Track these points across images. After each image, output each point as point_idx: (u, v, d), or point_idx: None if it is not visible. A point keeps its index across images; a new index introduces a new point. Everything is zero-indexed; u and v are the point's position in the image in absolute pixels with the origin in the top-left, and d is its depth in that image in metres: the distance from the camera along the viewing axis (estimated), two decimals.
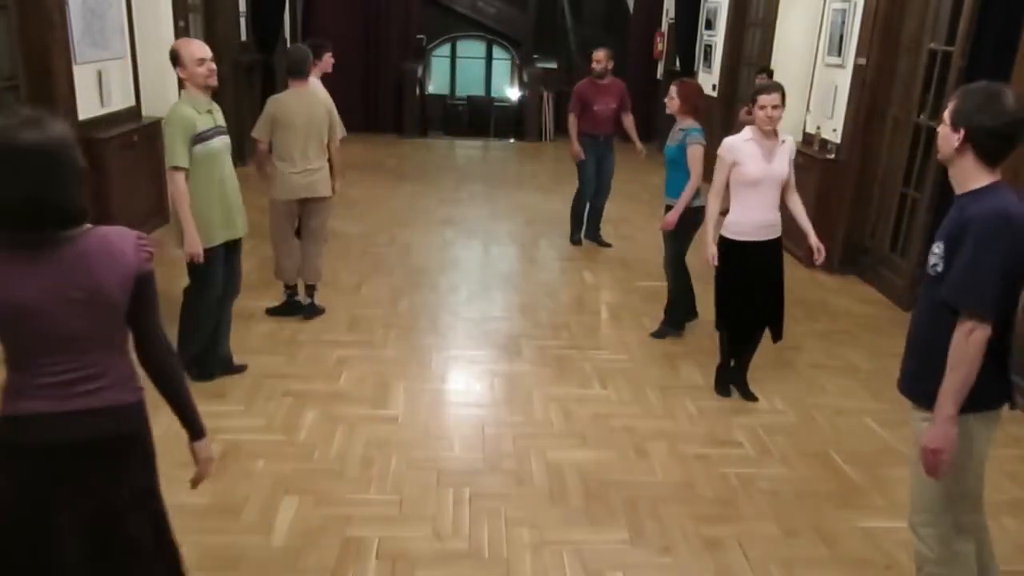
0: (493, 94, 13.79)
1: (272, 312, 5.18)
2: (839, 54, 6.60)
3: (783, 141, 4.13)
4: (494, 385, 4.44)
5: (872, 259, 6.38)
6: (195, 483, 2.23)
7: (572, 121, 6.78)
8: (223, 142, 3.98)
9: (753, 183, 4.06)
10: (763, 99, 3.99)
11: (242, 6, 9.77)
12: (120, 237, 1.91)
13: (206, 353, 4.23)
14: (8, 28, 5.35)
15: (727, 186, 4.17)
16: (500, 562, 3.01)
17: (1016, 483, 3.68)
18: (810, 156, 6.63)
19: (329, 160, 5.04)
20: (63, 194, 1.79)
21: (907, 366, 2.53)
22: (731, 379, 4.43)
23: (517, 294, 5.93)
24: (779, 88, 4.06)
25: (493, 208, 8.46)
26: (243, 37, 9.82)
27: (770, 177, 4.07)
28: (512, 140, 12.69)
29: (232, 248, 4.17)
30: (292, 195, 4.87)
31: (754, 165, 4.05)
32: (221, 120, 4.01)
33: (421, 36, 12.77)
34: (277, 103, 4.83)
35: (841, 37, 6.58)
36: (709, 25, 10.31)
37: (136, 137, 6.49)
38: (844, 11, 6.55)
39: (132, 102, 6.72)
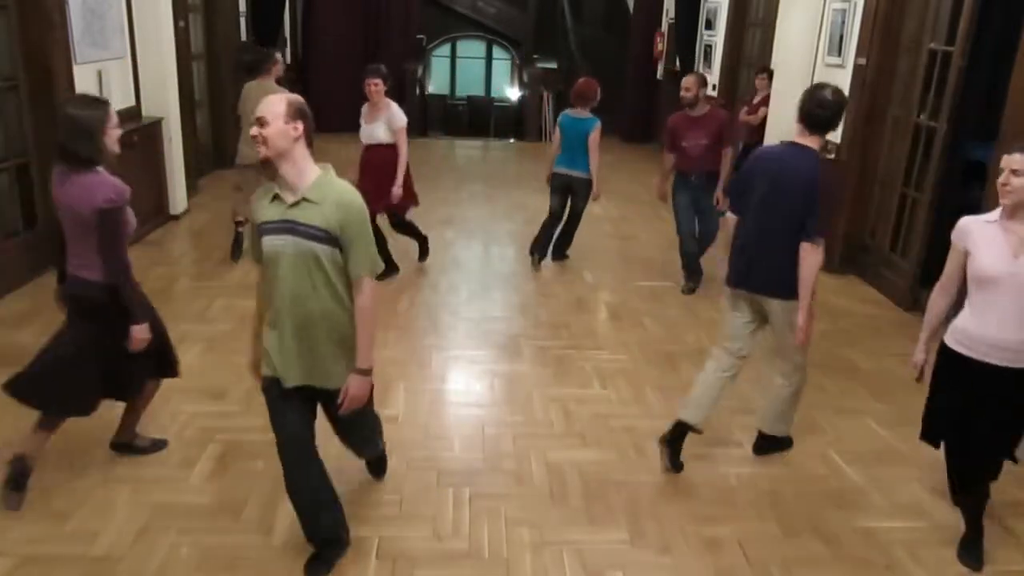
0: (493, 94, 13.80)
1: (233, 254, 6.22)
2: (839, 54, 6.60)
3: None
4: (494, 385, 4.44)
5: (872, 259, 6.38)
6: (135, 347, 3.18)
7: (663, 158, 6.23)
8: (281, 243, 2.61)
9: (987, 283, 2.88)
10: (1004, 160, 2.81)
11: (242, 6, 9.77)
12: (100, 184, 3.05)
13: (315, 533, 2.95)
14: (8, 28, 5.35)
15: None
16: (500, 562, 3.01)
17: (1017, 484, 3.68)
18: None
19: None
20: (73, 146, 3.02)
21: None
22: (968, 538, 3.21)
23: (517, 294, 5.93)
24: (1021, 150, 2.79)
25: (493, 208, 8.46)
26: (243, 37, 9.81)
27: (1015, 279, 2.82)
28: (512, 140, 12.69)
29: (328, 402, 2.85)
30: (243, 160, 5.93)
31: (990, 257, 2.86)
32: (298, 213, 2.60)
33: (421, 36, 12.78)
34: (246, 89, 6.08)
35: (841, 37, 6.58)
36: (709, 25, 10.31)
37: (136, 137, 6.48)
38: (844, 11, 6.55)
39: (132, 102, 6.72)
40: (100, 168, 3.08)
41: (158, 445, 3.62)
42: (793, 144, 3.46)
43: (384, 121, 5.66)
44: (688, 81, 5.82)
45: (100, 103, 3.12)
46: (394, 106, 5.71)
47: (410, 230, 6.29)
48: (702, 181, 5.86)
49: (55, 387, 3.15)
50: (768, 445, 3.84)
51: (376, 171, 5.72)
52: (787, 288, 3.39)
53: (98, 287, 3.11)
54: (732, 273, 3.57)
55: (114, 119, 3.10)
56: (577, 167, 6.16)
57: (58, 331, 3.24)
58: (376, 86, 5.61)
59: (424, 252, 6.46)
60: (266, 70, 6.24)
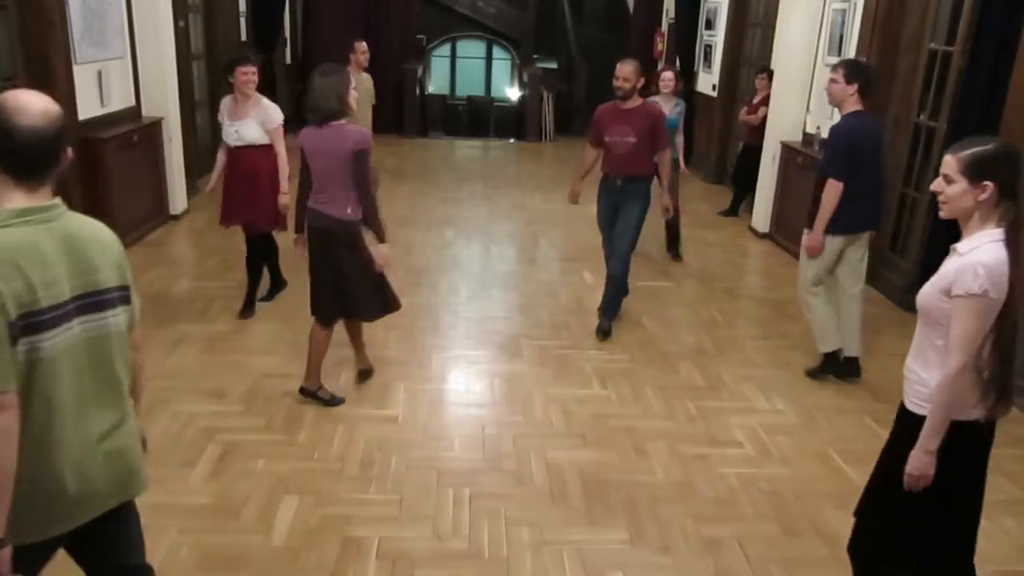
0: (493, 94, 13.80)
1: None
2: (839, 54, 6.59)
3: (954, 251, 2.27)
4: (494, 385, 4.44)
5: (872, 259, 6.36)
6: (382, 263, 3.95)
7: (584, 155, 5.32)
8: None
9: None
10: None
11: (242, 6, 9.79)
12: (353, 132, 3.74)
13: None
14: (8, 28, 5.35)
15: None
16: (500, 562, 3.01)
17: (1015, 483, 3.68)
18: (810, 156, 6.63)
19: None
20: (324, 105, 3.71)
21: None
22: None
23: (517, 294, 5.93)
24: (955, 151, 2.22)
25: (493, 208, 8.46)
26: (243, 37, 9.83)
27: (918, 301, 2.40)
28: (512, 140, 12.69)
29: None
30: None
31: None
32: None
33: (421, 36, 12.79)
34: None
35: (841, 37, 6.59)
36: (709, 25, 10.31)
37: (136, 137, 6.49)
38: (844, 11, 6.55)
39: (132, 102, 6.72)
40: (344, 120, 3.74)
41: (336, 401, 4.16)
42: (868, 112, 4.30)
43: (255, 118, 4.88)
44: (626, 71, 4.85)
45: (341, 70, 3.86)
46: (266, 100, 4.97)
47: (272, 264, 5.41)
48: (632, 187, 5.00)
49: (318, 301, 4.01)
50: (855, 369, 4.60)
51: (248, 179, 4.93)
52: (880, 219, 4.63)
53: (335, 220, 3.79)
54: (852, 222, 4.32)
55: (352, 81, 3.82)
56: None
57: (309, 263, 4.00)
58: (254, 76, 4.89)
59: (271, 295, 5.46)
60: (348, 60, 6.18)
